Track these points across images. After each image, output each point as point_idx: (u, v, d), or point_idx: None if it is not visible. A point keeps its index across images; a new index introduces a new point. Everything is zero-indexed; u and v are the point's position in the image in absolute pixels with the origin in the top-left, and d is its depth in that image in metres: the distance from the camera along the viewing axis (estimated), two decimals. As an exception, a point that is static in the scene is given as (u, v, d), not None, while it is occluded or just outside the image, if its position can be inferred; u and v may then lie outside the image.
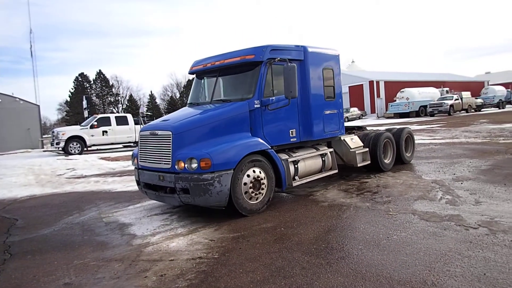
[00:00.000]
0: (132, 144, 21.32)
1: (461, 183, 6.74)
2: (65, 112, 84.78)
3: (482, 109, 40.23)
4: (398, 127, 10.10)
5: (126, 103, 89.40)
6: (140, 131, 6.39)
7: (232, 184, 5.46)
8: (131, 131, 20.54)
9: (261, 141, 6.02)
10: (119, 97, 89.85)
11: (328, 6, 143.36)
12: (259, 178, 5.83)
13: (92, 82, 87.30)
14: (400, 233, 4.45)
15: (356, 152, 7.91)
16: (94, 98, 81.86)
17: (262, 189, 5.88)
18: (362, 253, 3.95)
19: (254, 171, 5.77)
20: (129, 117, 21.32)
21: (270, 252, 4.18)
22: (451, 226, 4.54)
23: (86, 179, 10.89)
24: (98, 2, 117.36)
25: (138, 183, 6.50)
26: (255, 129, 6.17)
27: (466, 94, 39.09)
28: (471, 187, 6.39)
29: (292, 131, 6.73)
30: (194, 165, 5.30)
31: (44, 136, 30.32)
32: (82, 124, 20.75)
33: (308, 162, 6.92)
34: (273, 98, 6.36)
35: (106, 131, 19.79)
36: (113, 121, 20.27)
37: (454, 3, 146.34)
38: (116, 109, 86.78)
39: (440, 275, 3.30)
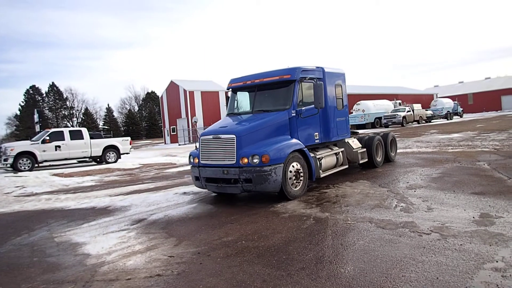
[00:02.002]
0: (87, 159, 20.44)
1: (414, 191, 7.03)
2: (14, 127, 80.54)
3: (432, 120, 42.57)
4: (383, 132, 11.67)
5: (82, 116, 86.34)
6: (201, 136, 7.62)
7: (283, 175, 6.80)
8: (86, 145, 19.66)
9: (299, 141, 7.48)
10: (74, 111, 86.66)
11: (288, 20, 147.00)
12: (299, 170, 7.27)
13: (44, 95, 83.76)
14: (358, 241, 4.55)
15: (358, 152, 9.70)
16: (46, 111, 78.49)
17: (301, 179, 7.33)
18: (321, 263, 3.99)
19: (297, 164, 7.25)
20: (84, 131, 20.34)
21: (231, 266, 4.12)
22: (405, 233, 4.71)
23: (36, 196, 10.30)
24: (51, 13, 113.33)
25: (197, 178, 7.66)
26: (292, 133, 7.63)
27: (417, 106, 41.18)
28: (423, 195, 6.68)
29: (316, 134, 8.34)
30: (256, 160, 6.68)
31: (-10, 152, 28.44)
32: (33, 139, 19.60)
33: (327, 159, 8.50)
34: (303, 108, 7.86)
35: (59, 146, 18.82)
36: (66, 135, 19.31)
37: (403, 22, 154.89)
38: (71, 123, 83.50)
39: (396, 281, 3.40)
